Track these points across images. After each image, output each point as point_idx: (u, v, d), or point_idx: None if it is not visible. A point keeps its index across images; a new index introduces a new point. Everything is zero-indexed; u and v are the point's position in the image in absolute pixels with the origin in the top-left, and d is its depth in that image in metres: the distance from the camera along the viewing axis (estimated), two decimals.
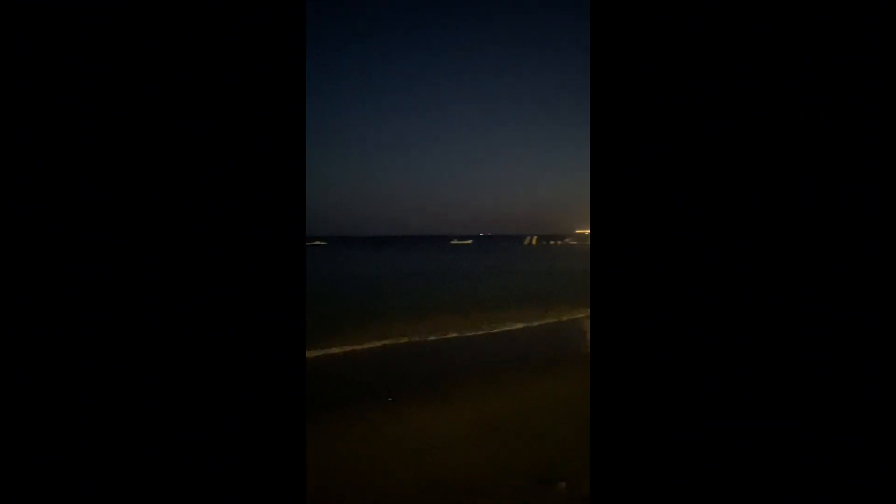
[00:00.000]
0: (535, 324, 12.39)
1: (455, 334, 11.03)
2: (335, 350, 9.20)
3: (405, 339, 10.21)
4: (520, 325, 12.15)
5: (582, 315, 13.42)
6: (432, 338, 10.62)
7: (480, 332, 11.19)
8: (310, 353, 8.61)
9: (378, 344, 9.77)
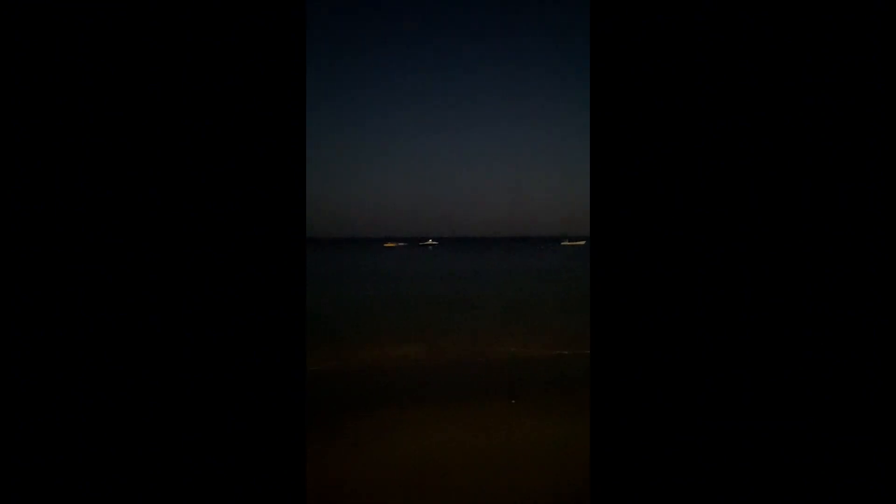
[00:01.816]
0: None
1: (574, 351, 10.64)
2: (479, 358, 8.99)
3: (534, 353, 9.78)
4: None
5: None
6: (566, 352, 10.20)
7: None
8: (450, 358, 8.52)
9: (502, 357, 9.46)
